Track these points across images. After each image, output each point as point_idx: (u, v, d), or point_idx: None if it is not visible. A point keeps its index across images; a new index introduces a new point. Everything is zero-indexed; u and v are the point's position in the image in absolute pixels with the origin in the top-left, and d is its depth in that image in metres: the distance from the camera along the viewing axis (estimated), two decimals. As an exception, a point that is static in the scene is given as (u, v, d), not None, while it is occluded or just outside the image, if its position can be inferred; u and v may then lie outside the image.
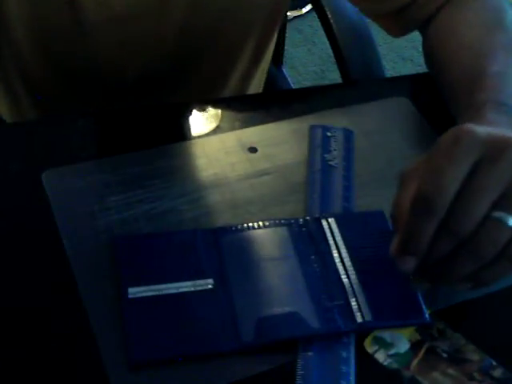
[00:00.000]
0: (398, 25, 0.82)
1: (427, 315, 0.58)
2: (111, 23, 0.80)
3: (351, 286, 0.60)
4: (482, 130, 0.55)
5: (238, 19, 0.85)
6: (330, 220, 0.65)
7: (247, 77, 0.95)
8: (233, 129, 0.74)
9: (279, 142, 0.73)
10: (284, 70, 1.23)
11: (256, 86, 0.98)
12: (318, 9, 1.08)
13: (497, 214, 0.53)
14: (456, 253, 0.54)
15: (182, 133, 0.73)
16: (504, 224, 0.53)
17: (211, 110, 0.78)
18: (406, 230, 0.55)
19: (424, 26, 0.81)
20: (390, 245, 0.57)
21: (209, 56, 0.88)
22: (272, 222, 0.65)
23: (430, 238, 0.54)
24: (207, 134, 0.73)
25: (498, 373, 0.55)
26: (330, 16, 1.05)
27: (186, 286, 0.59)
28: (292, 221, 0.65)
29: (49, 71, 0.87)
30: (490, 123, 0.60)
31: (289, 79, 1.21)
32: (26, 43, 0.84)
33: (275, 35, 0.94)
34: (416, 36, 0.84)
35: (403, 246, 0.55)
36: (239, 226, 0.64)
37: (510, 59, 0.70)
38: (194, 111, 0.77)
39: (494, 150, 0.53)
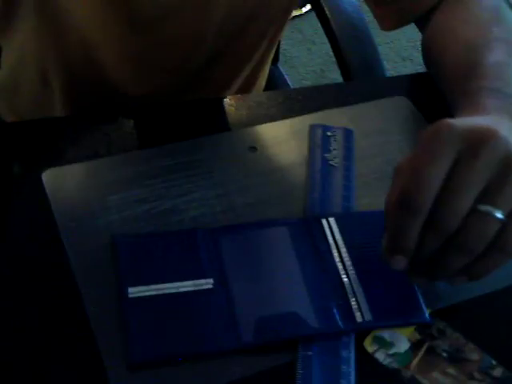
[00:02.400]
0: (393, 15, 0.82)
1: (427, 315, 0.58)
2: (161, 20, 0.80)
3: (351, 285, 0.60)
4: (460, 123, 0.54)
5: (264, 16, 0.85)
6: (330, 219, 0.65)
7: (254, 76, 0.94)
8: (233, 129, 0.74)
9: (279, 141, 0.73)
10: (280, 67, 1.23)
11: (259, 85, 0.98)
12: (317, 8, 1.08)
13: (483, 207, 0.52)
14: (446, 248, 0.53)
15: (181, 132, 0.73)
16: (492, 217, 0.52)
17: (211, 110, 0.78)
18: (393, 227, 0.55)
19: (422, 24, 0.81)
20: (381, 243, 0.57)
21: (226, 57, 0.87)
22: (272, 221, 0.65)
23: (416, 235, 0.53)
24: (207, 134, 0.73)
25: (497, 372, 0.55)
26: (329, 15, 1.05)
27: (186, 286, 0.59)
28: (292, 221, 0.65)
29: (91, 72, 0.86)
30: (483, 110, 0.59)
31: (285, 76, 1.21)
32: (75, 47, 0.83)
33: (282, 34, 0.94)
34: (416, 36, 0.84)
35: (392, 244, 0.55)
36: (239, 226, 0.64)
37: (505, 49, 0.70)
38: (194, 111, 0.77)
39: (473, 143, 0.53)
